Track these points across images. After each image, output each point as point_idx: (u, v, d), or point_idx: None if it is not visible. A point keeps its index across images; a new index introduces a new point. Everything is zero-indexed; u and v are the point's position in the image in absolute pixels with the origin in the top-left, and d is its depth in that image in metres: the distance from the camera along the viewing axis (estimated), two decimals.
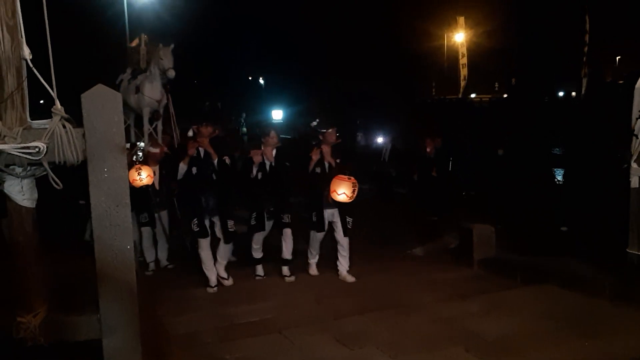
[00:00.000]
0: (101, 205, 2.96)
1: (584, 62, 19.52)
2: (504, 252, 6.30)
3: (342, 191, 5.41)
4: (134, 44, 10.12)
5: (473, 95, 27.50)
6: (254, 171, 5.85)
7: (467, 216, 7.07)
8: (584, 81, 19.69)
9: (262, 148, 5.89)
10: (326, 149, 5.83)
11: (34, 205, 3.09)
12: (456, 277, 5.84)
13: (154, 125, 9.60)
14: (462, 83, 25.74)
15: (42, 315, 3.03)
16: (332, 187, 5.48)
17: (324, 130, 5.94)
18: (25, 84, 3.02)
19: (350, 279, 5.91)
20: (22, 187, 3.01)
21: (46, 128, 2.91)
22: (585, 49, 19.61)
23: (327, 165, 5.88)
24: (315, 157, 5.83)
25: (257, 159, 5.82)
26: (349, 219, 5.95)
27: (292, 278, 5.99)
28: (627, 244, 5.06)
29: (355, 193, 5.42)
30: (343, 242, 5.98)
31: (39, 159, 2.87)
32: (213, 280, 5.71)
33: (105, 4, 17.24)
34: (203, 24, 21.89)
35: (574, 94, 23.52)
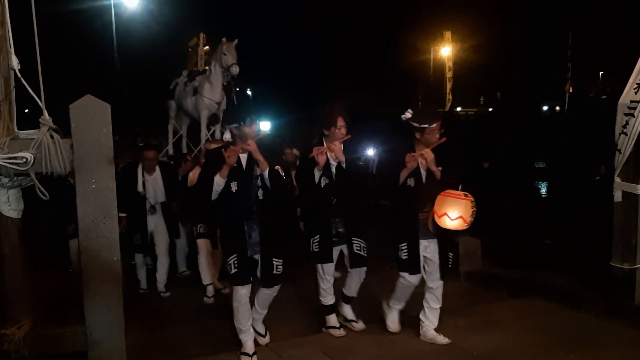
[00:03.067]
0: (88, 217, 2.95)
1: (568, 77, 19.84)
2: (490, 265, 6.33)
3: (457, 214, 3.88)
4: (191, 43, 9.62)
5: (459, 109, 27.75)
6: (317, 176, 4.26)
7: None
8: (568, 96, 20.01)
9: (325, 143, 4.27)
10: (429, 156, 4.02)
11: (20, 216, 3.07)
12: (442, 291, 5.85)
13: (211, 131, 8.76)
14: (448, 97, 25.99)
15: (26, 327, 3.01)
16: (439, 208, 3.95)
17: (425, 126, 4.07)
18: (13, 94, 3.01)
19: (443, 340, 4.20)
20: (8, 198, 2.99)
21: (34, 138, 2.90)
22: (569, 64, 19.93)
23: (424, 175, 4.13)
24: (411, 163, 4.04)
25: (320, 158, 4.18)
26: (450, 255, 4.23)
27: (343, 332, 4.45)
28: (611, 258, 5.12)
29: (474, 217, 3.94)
30: (436, 287, 4.24)
31: (26, 170, 2.86)
32: (250, 346, 4.06)
33: (94, 15, 17.21)
34: (191, 35, 21.92)
35: (557, 108, 23.88)
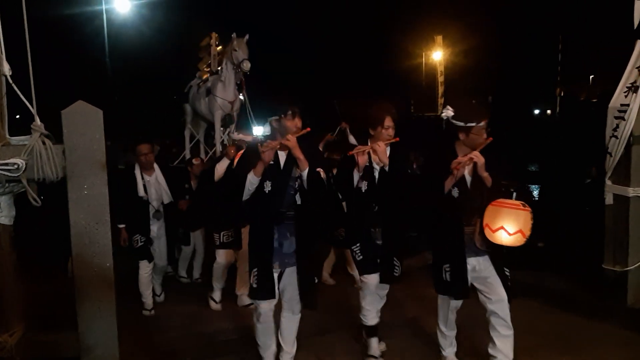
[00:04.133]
0: (80, 223, 2.94)
1: (559, 81, 19.98)
2: None
3: (516, 228, 3.31)
4: (203, 43, 9.09)
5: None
6: (356, 179, 3.81)
7: None
8: (559, 100, 20.15)
9: (370, 143, 3.86)
10: (480, 160, 3.43)
11: (11, 223, 3.05)
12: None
13: (227, 132, 8.35)
14: (440, 100, 26.07)
15: (19, 334, 2.99)
16: (492, 221, 3.37)
17: (471, 124, 3.48)
18: (4, 100, 3.00)
19: None
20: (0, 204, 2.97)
21: (25, 144, 2.89)
22: (560, 68, 20.08)
23: (469, 182, 3.56)
24: (459, 170, 3.48)
25: (360, 158, 3.73)
26: (507, 271, 3.65)
27: (379, 352, 4.07)
28: (603, 260, 5.16)
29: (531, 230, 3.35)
30: (501, 310, 3.58)
31: (18, 176, 2.85)
32: None
33: (85, 20, 17.15)
34: (184, 39, 21.90)
35: (549, 112, 24.01)
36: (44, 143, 2.87)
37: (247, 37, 7.98)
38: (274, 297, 3.57)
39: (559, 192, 8.07)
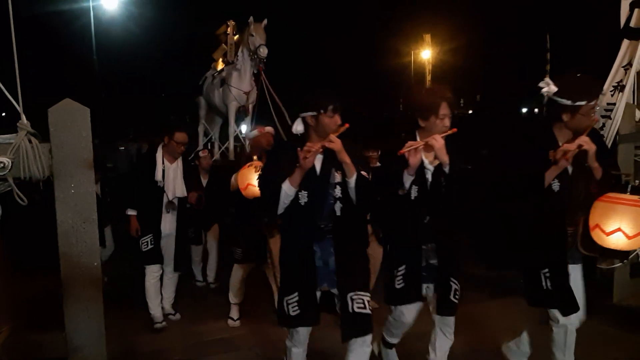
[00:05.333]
0: (67, 222, 2.91)
1: (546, 79, 20.13)
2: (472, 266, 6.37)
3: (636, 229, 2.72)
4: (220, 31, 8.42)
5: None
6: (407, 184, 3.07)
7: None
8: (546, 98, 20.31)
9: (420, 137, 3.15)
10: (591, 147, 2.85)
11: None
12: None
13: (241, 126, 8.04)
14: None
15: (5, 334, 2.96)
16: (605, 221, 2.80)
17: (581, 103, 2.93)
18: None
19: None
20: None
21: (11, 143, 2.85)
22: (547, 66, 20.25)
23: (570, 173, 3.01)
24: (562, 161, 2.91)
25: (413, 159, 2.99)
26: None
27: None
28: (596, 260, 5.21)
29: None
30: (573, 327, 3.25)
31: (4, 175, 2.82)
32: None
33: (72, 17, 17.02)
34: (174, 37, 21.81)
35: (536, 110, 24.20)
36: (30, 141, 2.84)
37: (265, 22, 7.39)
38: (318, 323, 3.04)
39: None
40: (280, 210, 2.92)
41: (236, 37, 8.03)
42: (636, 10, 4.81)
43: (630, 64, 4.80)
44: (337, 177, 2.95)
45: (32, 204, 2.89)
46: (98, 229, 6.07)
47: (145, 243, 4.72)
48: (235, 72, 7.61)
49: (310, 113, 2.92)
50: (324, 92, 2.97)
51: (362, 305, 2.92)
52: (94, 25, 16.29)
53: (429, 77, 24.21)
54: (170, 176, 4.79)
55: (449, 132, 3.08)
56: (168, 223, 4.83)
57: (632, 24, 4.83)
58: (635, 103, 4.91)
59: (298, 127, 3.00)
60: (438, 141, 3.01)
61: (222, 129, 8.92)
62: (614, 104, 4.83)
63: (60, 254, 2.91)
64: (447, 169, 3.05)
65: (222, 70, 8.08)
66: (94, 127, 2.96)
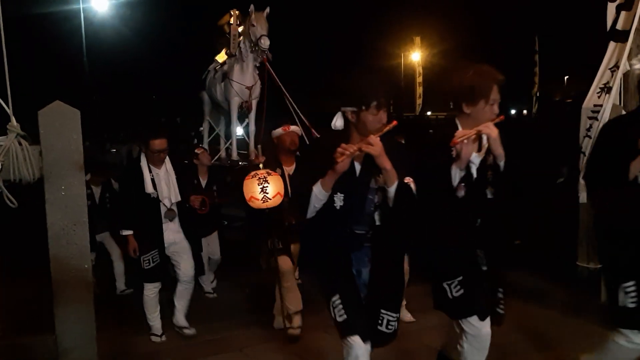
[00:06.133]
0: (58, 224, 2.92)
1: (535, 81, 20.31)
2: None
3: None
4: (222, 22, 7.77)
5: (429, 113, 28.10)
6: (456, 181, 2.61)
7: None
8: (535, 100, 20.48)
9: (460, 127, 2.71)
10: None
11: None
12: (414, 292, 5.88)
13: (245, 123, 7.39)
14: (419, 101, 26.28)
15: None
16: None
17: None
18: None
19: None
20: None
21: (1, 145, 2.85)
22: (536, 69, 20.40)
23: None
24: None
25: (466, 151, 2.57)
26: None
27: None
28: (577, 258, 5.27)
29: None
30: None
31: None
32: None
33: (63, 19, 16.94)
34: (165, 38, 21.77)
35: (525, 112, 24.38)
36: (20, 144, 2.84)
37: (267, 10, 6.86)
38: (369, 338, 2.63)
39: (533, 190, 8.19)
40: (311, 214, 2.57)
41: (241, 27, 7.46)
42: (622, 12, 4.87)
43: (616, 65, 4.85)
44: (378, 183, 2.58)
45: (22, 207, 2.89)
46: (90, 234, 5.93)
47: (148, 261, 4.34)
48: (237, 65, 7.08)
49: (350, 108, 2.54)
50: (368, 84, 2.55)
51: (392, 327, 2.70)
52: (84, 27, 16.22)
53: (419, 79, 24.31)
54: (162, 183, 4.38)
55: (498, 119, 2.65)
56: (172, 232, 4.45)
57: (618, 26, 4.89)
58: (622, 104, 4.96)
59: (337, 122, 2.63)
60: (493, 130, 2.58)
61: (227, 126, 8.32)
62: (601, 106, 4.88)
63: (50, 256, 2.92)
64: (502, 164, 2.62)
65: (224, 63, 7.55)
66: (85, 129, 2.96)
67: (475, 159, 2.66)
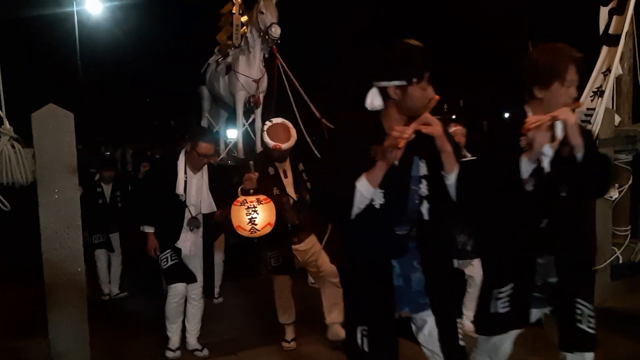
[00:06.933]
0: (51, 227, 2.91)
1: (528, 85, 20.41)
2: None
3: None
4: (225, 10, 7.16)
5: None
6: (526, 174, 2.23)
7: None
8: None
9: (530, 112, 2.35)
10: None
11: None
12: None
13: (250, 119, 6.78)
14: None
15: None
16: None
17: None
18: None
19: None
20: None
21: None
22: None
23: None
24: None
25: (540, 140, 2.18)
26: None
27: None
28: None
29: None
30: None
31: None
32: None
33: (56, 22, 16.91)
34: (158, 41, 21.75)
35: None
36: (13, 147, 2.84)
37: None
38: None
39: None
40: (354, 215, 2.13)
41: (243, 17, 6.93)
42: (614, 17, 4.90)
43: (609, 69, 4.87)
44: (422, 168, 2.17)
45: (15, 209, 2.88)
46: (105, 235, 5.80)
47: (165, 259, 3.98)
48: (242, 56, 6.50)
49: (395, 82, 2.08)
50: (419, 53, 2.11)
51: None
52: (78, 30, 16.19)
53: None
54: (193, 188, 4.03)
55: (575, 105, 2.31)
56: (190, 242, 4.06)
57: (610, 30, 4.92)
58: (614, 108, 4.98)
59: (375, 101, 2.14)
60: (570, 116, 2.17)
61: (228, 123, 7.76)
62: (594, 109, 4.90)
63: (43, 259, 2.91)
64: (579, 155, 2.19)
65: (227, 55, 6.97)
66: (78, 132, 2.96)
67: (548, 150, 2.21)
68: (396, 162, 2.07)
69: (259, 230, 3.55)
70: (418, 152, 2.12)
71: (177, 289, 4.02)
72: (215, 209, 4.06)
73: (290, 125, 4.04)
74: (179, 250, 4.02)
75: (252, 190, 3.64)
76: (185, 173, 4.00)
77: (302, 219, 4.06)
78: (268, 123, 4.01)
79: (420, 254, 2.19)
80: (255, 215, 3.51)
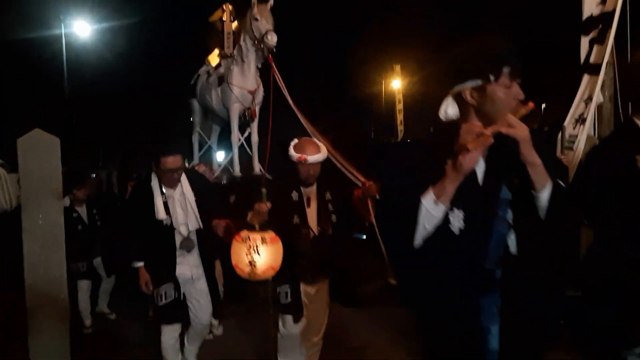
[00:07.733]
0: (35, 253, 2.88)
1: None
2: None
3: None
4: (215, 17, 6.71)
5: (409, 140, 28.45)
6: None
7: None
8: None
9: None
10: None
11: None
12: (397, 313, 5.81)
13: (246, 134, 6.43)
14: (400, 127, 26.55)
15: None
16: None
17: None
18: None
19: None
20: None
21: None
22: None
23: None
24: None
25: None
26: None
27: None
28: None
29: None
30: None
31: None
32: None
33: (43, 43, 16.90)
34: (145, 61, 21.78)
35: None
36: None
37: (271, 1, 5.90)
38: None
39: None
40: (419, 240, 1.67)
41: (234, 24, 6.57)
42: (595, 46, 5.02)
43: (590, 97, 4.98)
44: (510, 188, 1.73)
45: None
46: (87, 261, 5.48)
47: (161, 296, 3.62)
48: (236, 67, 6.12)
49: (470, 83, 1.70)
50: (494, 44, 1.72)
51: None
52: (65, 52, 16.18)
53: (399, 106, 24.58)
54: (178, 207, 3.63)
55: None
56: (189, 266, 3.70)
57: (591, 60, 5.04)
58: (596, 135, 5.08)
59: (449, 110, 1.79)
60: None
61: (220, 137, 7.35)
62: (576, 136, 4.98)
63: (26, 285, 2.87)
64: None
65: (218, 65, 6.59)
66: (64, 154, 2.94)
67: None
68: (480, 180, 1.70)
69: (258, 275, 3.05)
70: (506, 169, 1.72)
71: (173, 328, 3.73)
72: (201, 225, 3.67)
73: (319, 142, 3.56)
74: (176, 282, 3.65)
75: (257, 226, 3.10)
76: (163, 194, 3.61)
77: (322, 256, 3.47)
78: (295, 140, 3.52)
79: (504, 299, 1.71)
80: (257, 258, 3.00)
